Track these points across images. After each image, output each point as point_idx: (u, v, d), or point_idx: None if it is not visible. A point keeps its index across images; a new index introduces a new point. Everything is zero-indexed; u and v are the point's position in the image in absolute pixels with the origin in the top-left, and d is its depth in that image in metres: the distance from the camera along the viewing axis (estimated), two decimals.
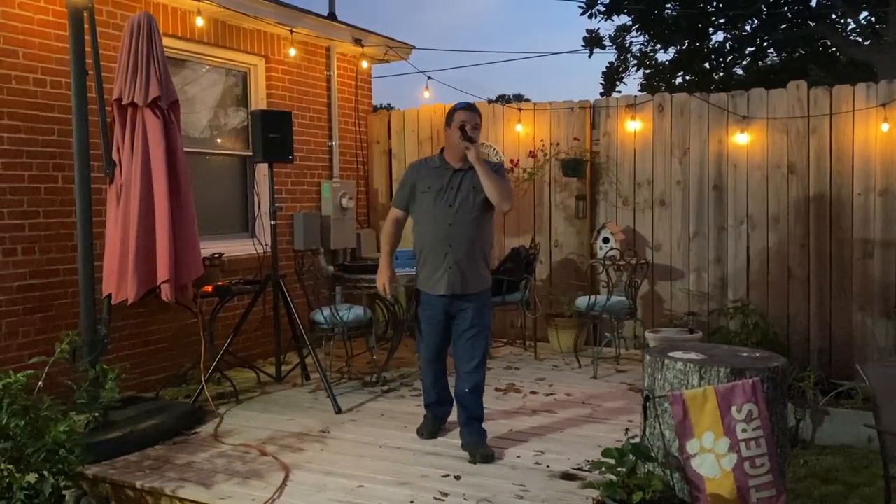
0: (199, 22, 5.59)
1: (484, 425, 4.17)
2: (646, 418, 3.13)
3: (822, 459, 4.65)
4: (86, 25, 4.42)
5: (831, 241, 5.96)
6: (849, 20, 12.15)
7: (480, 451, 3.98)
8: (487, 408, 4.61)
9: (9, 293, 4.57)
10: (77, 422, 3.72)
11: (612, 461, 3.03)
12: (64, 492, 3.40)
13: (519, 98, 20.04)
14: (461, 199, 4.04)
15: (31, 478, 3.30)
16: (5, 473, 3.26)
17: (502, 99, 15.18)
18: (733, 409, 2.89)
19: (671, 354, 3.15)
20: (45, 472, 3.33)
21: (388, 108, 9.02)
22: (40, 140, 4.74)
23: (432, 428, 4.38)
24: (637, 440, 3.29)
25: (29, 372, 3.46)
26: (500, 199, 4.00)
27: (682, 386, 3.02)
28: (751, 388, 2.89)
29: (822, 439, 4.91)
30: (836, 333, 5.97)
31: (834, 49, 12.51)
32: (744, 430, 2.87)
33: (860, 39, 12.11)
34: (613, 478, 3.04)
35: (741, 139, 6.18)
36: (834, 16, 12.17)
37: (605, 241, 6.42)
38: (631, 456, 3.02)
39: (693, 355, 3.14)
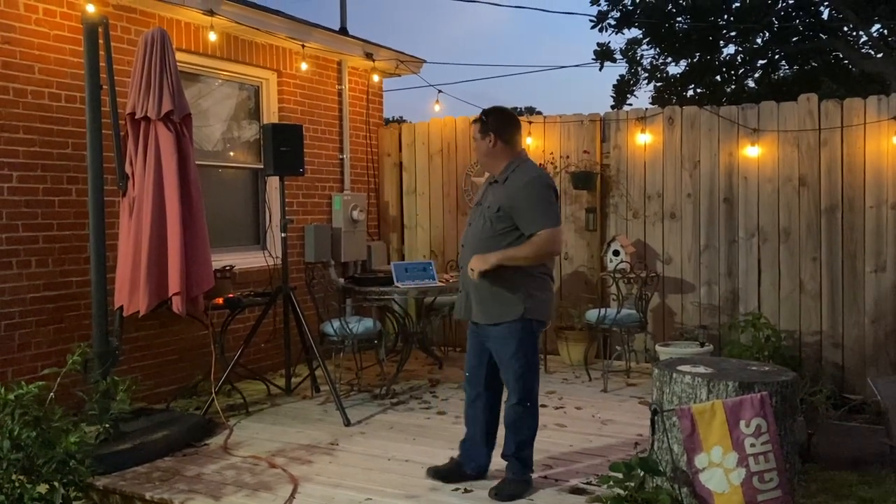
0: (212, 37, 5.66)
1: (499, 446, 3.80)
2: (654, 432, 3.12)
3: (833, 475, 4.60)
4: (100, 41, 4.49)
5: (843, 254, 5.92)
6: (860, 32, 12.12)
7: (497, 488, 3.64)
8: None
9: (22, 305, 4.62)
10: (88, 433, 3.74)
11: (620, 475, 3.02)
12: (74, 503, 3.42)
13: (531, 111, 20.08)
14: (475, 218, 3.70)
15: (42, 488, 3.32)
16: (17, 484, 3.28)
17: (513, 111, 15.21)
18: (742, 423, 2.87)
19: (679, 368, 3.14)
20: (56, 483, 3.35)
21: (400, 121, 9.06)
22: (55, 153, 4.80)
23: (443, 469, 3.87)
24: (646, 454, 3.27)
25: (41, 383, 3.49)
26: (538, 260, 3.55)
27: (691, 400, 3.01)
28: (759, 402, 2.88)
29: (835, 454, 4.86)
30: (848, 347, 5.93)
31: (846, 61, 12.48)
32: (752, 445, 2.85)
33: (872, 52, 12.08)
34: (621, 492, 3.02)
35: (752, 152, 6.17)
36: (846, 28, 12.14)
37: (616, 253, 6.41)
38: (639, 470, 3.01)
39: (701, 369, 3.13)
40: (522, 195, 3.54)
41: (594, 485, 3.72)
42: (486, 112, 3.76)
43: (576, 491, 3.70)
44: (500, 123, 3.70)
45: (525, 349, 3.60)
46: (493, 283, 3.57)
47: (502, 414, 3.78)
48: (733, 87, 13.69)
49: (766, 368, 3.22)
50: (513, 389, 3.66)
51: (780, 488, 2.86)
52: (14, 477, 3.30)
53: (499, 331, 3.60)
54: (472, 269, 3.53)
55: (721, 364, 3.31)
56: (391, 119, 9.53)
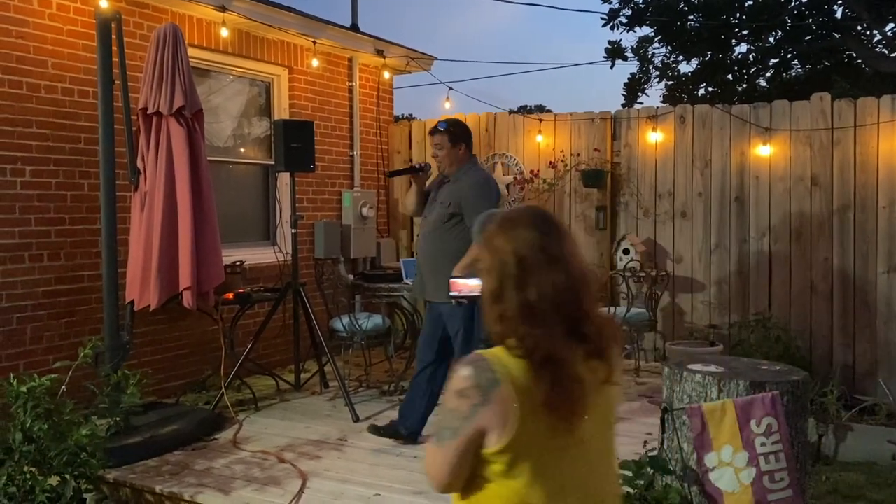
0: (224, 33, 5.67)
1: None
2: (664, 431, 3.11)
3: (844, 476, 4.58)
4: (113, 36, 4.51)
5: (855, 254, 5.89)
6: (874, 31, 12.03)
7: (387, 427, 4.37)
8: None
9: (35, 298, 4.64)
10: (99, 426, 3.77)
11: (630, 473, 3.01)
12: (85, 495, 3.44)
13: (541, 109, 20.04)
14: (431, 211, 4.30)
15: (53, 481, 3.35)
16: (28, 476, 3.31)
17: (524, 109, 15.19)
18: (752, 422, 2.86)
19: (690, 367, 3.13)
20: (67, 476, 3.37)
21: (410, 118, 9.07)
22: (67, 148, 4.82)
23: (382, 428, 4.44)
24: (655, 453, 3.26)
25: (53, 376, 3.52)
26: None
27: (701, 399, 3.00)
28: (770, 401, 2.87)
29: (845, 455, 4.84)
30: (859, 348, 5.89)
31: (859, 61, 12.39)
32: (763, 444, 2.84)
33: (886, 51, 11.99)
34: (631, 490, 3.02)
35: (764, 151, 6.14)
36: (859, 27, 12.06)
37: (626, 252, 6.39)
38: (649, 469, 3.00)
39: (712, 368, 3.12)
40: (471, 193, 4.15)
41: None
42: (451, 124, 4.33)
43: None
44: (466, 133, 4.31)
45: (467, 324, 4.14)
46: (443, 266, 4.06)
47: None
48: (745, 86, 13.61)
49: (777, 368, 3.21)
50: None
51: (790, 488, 2.85)
52: (26, 469, 3.33)
53: (447, 308, 4.13)
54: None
55: (732, 363, 3.30)
56: (401, 116, 9.53)
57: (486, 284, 1.57)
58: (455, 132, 4.27)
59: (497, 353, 1.54)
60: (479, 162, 4.48)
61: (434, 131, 4.31)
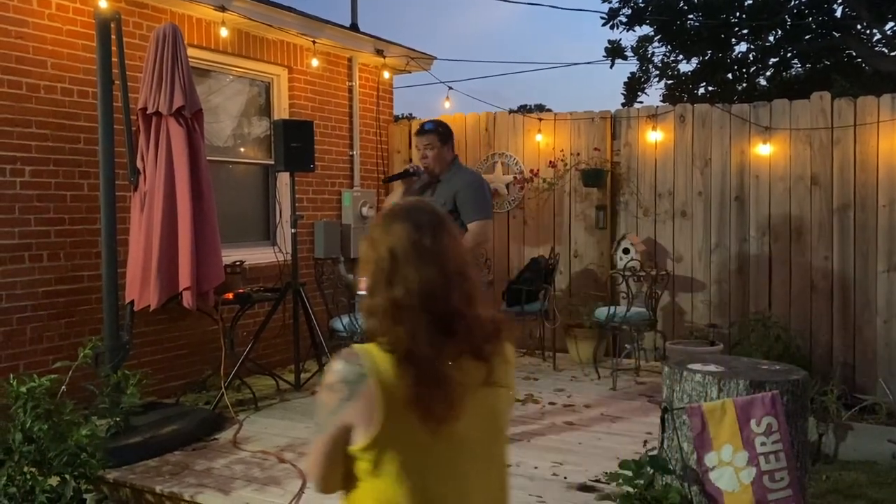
0: (224, 33, 5.67)
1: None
2: (664, 430, 3.11)
3: (844, 475, 4.58)
4: (112, 36, 4.51)
5: (855, 253, 5.89)
6: (874, 30, 12.03)
7: None
8: None
9: (34, 298, 4.64)
10: (99, 426, 3.77)
11: (630, 473, 3.01)
12: (85, 495, 3.44)
13: (541, 108, 20.02)
14: None
15: (53, 481, 3.35)
16: (28, 476, 3.31)
17: (524, 109, 15.18)
18: (752, 422, 2.86)
19: (690, 366, 3.13)
20: (67, 476, 3.37)
21: (410, 118, 9.06)
22: (67, 148, 4.82)
23: None
24: (655, 452, 3.26)
25: (52, 376, 3.52)
26: (476, 249, 4.24)
27: (701, 398, 3.00)
28: (770, 401, 2.86)
29: (845, 454, 4.84)
30: (859, 347, 5.89)
31: (859, 60, 12.39)
32: (763, 444, 2.84)
33: (886, 50, 11.98)
34: (631, 490, 3.02)
35: (764, 150, 6.14)
36: (859, 26, 12.05)
37: (626, 251, 6.39)
38: (649, 468, 3.00)
39: (712, 367, 3.12)
40: (469, 191, 4.19)
41: (603, 482, 3.72)
42: (438, 124, 4.36)
43: (585, 488, 3.69)
44: (451, 133, 4.36)
45: None
46: None
47: None
48: (745, 85, 13.61)
49: (777, 367, 3.20)
50: None
51: (790, 488, 2.85)
52: (26, 469, 3.32)
53: None
54: None
55: (732, 363, 3.29)
56: (400, 116, 9.53)
57: (362, 278, 1.55)
58: (443, 132, 4.30)
59: (369, 347, 1.51)
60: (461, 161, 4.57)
61: (422, 131, 4.30)
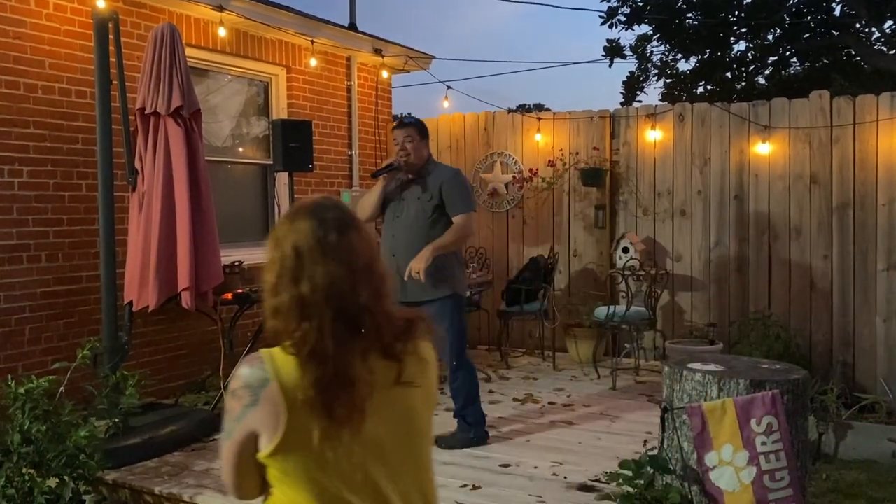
0: (222, 32, 5.65)
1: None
2: (664, 430, 3.10)
3: (844, 474, 4.57)
4: (110, 36, 4.50)
5: (855, 252, 5.88)
6: (873, 29, 12.02)
7: (441, 437, 4.19)
8: (504, 416, 4.61)
9: (33, 299, 4.63)
10: (97, 427, 3.76)
11: (630, 473, 3.01)
12: (84, 497, 3.44)
13: (539, 108, 20.01)
14: (401, 211, 4.26)
15: (52, 482, 3.34)
16: (27, 478, 3.30)
17: (522, 108, 15.16)
18: (752, 421, 2.85)
19: (690, 366, 3.12)
20: (66, 477, 3.37)
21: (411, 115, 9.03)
22: (65, 148, 4.81)
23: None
24: (655, 452, 3.26)
25: (51, 377, 3.51)
26: (460, 241, 4.34)
27: (701, 398, 3.00)
28: (770, 400, 2.86)
29: (845, 453, 4.83)
30: (859, 346, 5.89)
31: (858, 58, 12.38)
32: (763, 443, 2.83)
33: (885, 48, 11.98)
34: (631, 490, 3.01)
35: (763, 149, 6.13)
36: (858, 25, 12.04)
37: (625, 251, 6.39)
38: (649, 468, 2.99)
39: (712, 367, 3.11)
40: (453, 182, 4.24)
41: (603, 482, 3.71)
42: (417, 120, 4.39)
43: (584, 488, 3.68)
44: (428, 132, 4.37)
45: (456, 320, 4.23)
46: (435, 261, 4.08)
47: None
48: (743, 84, 13.60)
49: (777, 366, 3.20)
50: (448, 360, 4.19)
51: (790, 487, 2.84)
52: (24, 471, 3.32)
53: (434, 307, 4.06)
54: (417, 272, 4.01)
55: (732, 362, 3.29)
56: (398, 116, 9.50)
57: (266, 277, 1.50)
58: (422, 128, 4.32)
59: (273, 351, 1.47)
60: None
61: (402, 124, 4.30)
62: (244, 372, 1.46)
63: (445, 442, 4.24)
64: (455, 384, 4.29)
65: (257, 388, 1.42)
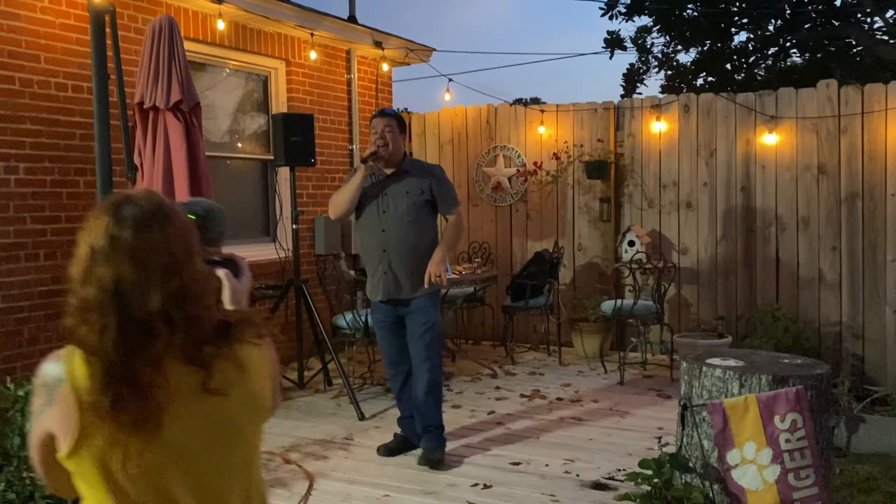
0: (221, 25, 5.55)
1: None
2: (683, 427, 3.02)
3: (858, 468, 4.50)
4: (107, 29, 4.39)
5: (864, 243, 5.81)
6: (876, 18, 11.94)
7: (431, 454, 3.96)
8: (511, 413, 4.53)
9: (31, 298, 4.54)
10: None
11: (650, 472, 2.93)
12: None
13: (536, 102, 19.87)
14: (389, 205, 4.10)
15: None
16: (27, 482, 3.22)
17: (519, 103, 15.05)
18: (776, 418, 2.78)
19: (709, 361, 3.04)
20: None
21: (406, 112, 8.94)
22: (62, 144, 4.71)
23: (392, 446, 4.19)
24: (669, 449, 3.18)
25: None
26: (460, 237, 4.37)
27: (721, 394, 2.92)
28: (794, 396, 2.78)
29: (858, 447, 4.76)
30: (868, 338, 5.82)
31: (859, 48, 12.30)
32: (787, 441, 2.76)
33: (887, 38, 11.90)
34: (651, 489, 2.93)
35: (769, 140, 6.05)
36: (860, 14, 11.96)
37: (631, 244, 6.31)
38: (668, 466, 2.92)
39: (732, 362, 3.03)
40: (443, 181, 4.20)
41: (618, 480, 3.64)
42: (397, 113, 4.33)
43: (598, 486, 3.61)
44: (406, 126, 4.32)
45: (436, 314, 4.15)
46: (419, 261, 4.04)
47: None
48: (744, 75, 13.50)
49: (799, 361, 3.12)
50: (424, 357, 4.02)
51: (816, 485, 2.77)
52: (25, 474, 3.24)
53: (421, 301, 4.04)
54: (438, 276, 3.99)
55: (751, 357, 3.21)
56: (399, 109, 9.42)
57: (70, 274, 1.45)
58: (401, 121, 4.23)
59: (73, 350, 1.42)
60: None
61: (383, 114, 4.20)
62: (45, 369, 1.41)
63: (428, 458, 3.98)
64: (427, 390, 4.03)
65: (52, 387, 1.39)
